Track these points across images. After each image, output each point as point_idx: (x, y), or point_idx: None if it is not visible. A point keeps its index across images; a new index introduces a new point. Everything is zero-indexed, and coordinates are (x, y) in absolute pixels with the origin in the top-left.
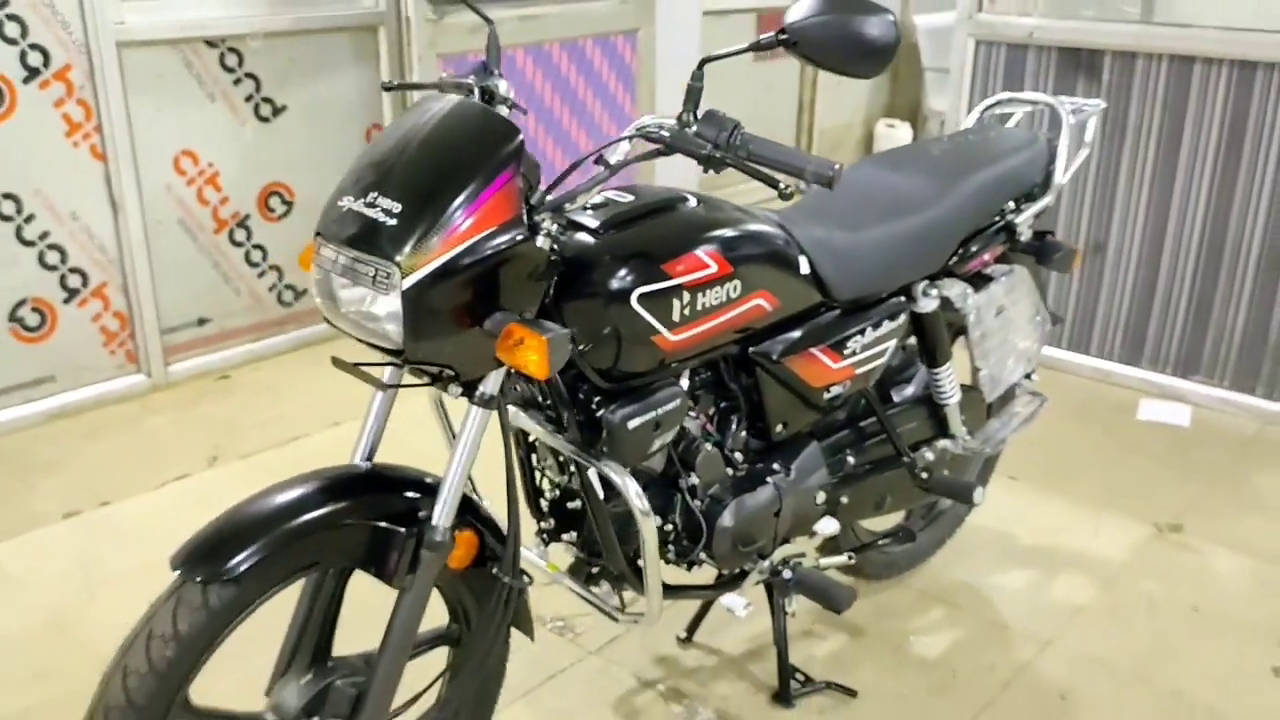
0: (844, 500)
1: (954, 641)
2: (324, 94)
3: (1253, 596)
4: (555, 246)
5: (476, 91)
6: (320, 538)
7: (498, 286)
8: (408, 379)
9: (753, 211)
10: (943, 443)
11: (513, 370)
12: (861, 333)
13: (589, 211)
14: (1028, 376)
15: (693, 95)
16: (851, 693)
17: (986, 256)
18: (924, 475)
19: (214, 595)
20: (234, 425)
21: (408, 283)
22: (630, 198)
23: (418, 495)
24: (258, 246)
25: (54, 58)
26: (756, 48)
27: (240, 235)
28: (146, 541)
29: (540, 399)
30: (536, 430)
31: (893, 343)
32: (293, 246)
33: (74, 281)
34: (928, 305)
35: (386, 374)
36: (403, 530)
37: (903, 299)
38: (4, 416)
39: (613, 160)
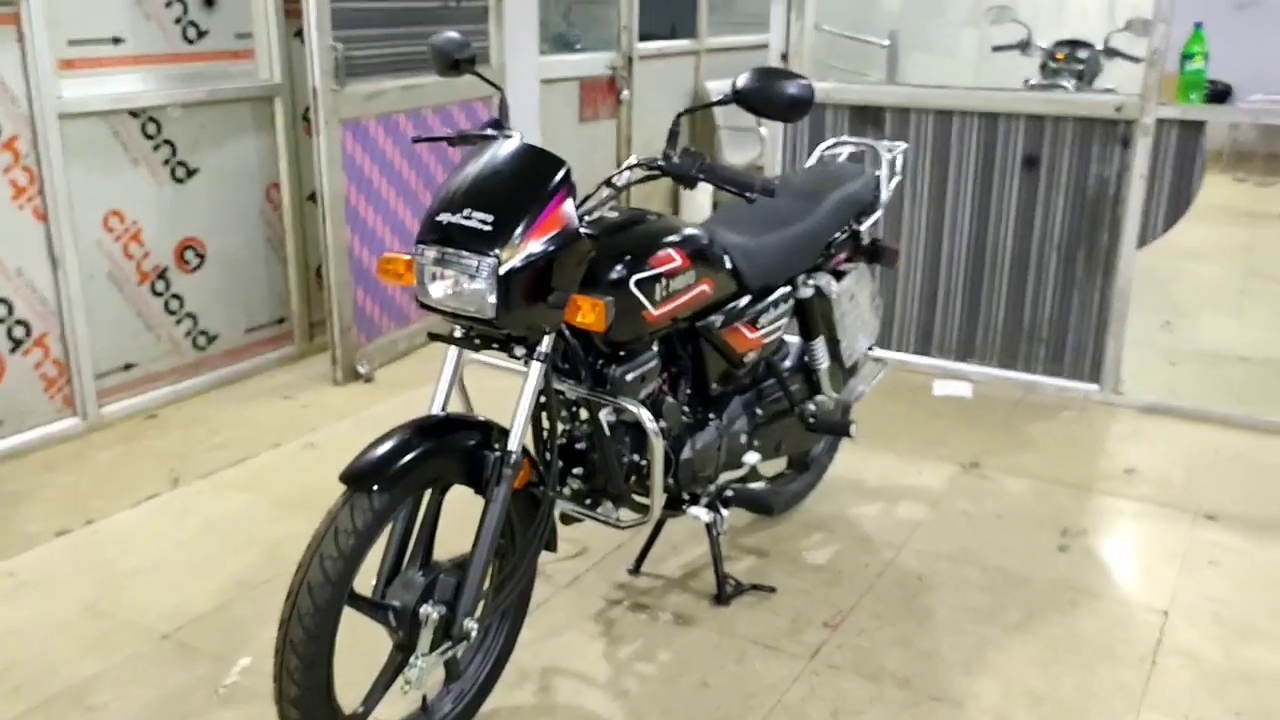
0: (758, 441)
1: (835, 552)
2: (230, 157)
3: (1036, 504)
4: None
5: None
6: (438, 460)
7: (555, 272)
8: (469, 351)
9: (688, 222)
10: (819, 397)
11: (555, 336)
12: (766, 312)
13: (587, 223)
14: (870, 348)
15: (673, 137)
16: (771, 589)
17: (841, 256)
18: (811, 420)
19: (376, 500)
20: (181, 454)
21: (503, 270)
22: (615, 213)
23: (486, 432)
24: (175, 296)
25: (3, 130)
26: (720, 103)
27: (160, 286)
28: (149, 545)
29: (559, 364)
30: (564, 384)
31: (784, 320)
32: (206, 295)
33: (19, 333)
34: (806, 292)
35: (451, 353)
36: (491, 454)
37: (788, 288)
38: None
39: (619, 183)
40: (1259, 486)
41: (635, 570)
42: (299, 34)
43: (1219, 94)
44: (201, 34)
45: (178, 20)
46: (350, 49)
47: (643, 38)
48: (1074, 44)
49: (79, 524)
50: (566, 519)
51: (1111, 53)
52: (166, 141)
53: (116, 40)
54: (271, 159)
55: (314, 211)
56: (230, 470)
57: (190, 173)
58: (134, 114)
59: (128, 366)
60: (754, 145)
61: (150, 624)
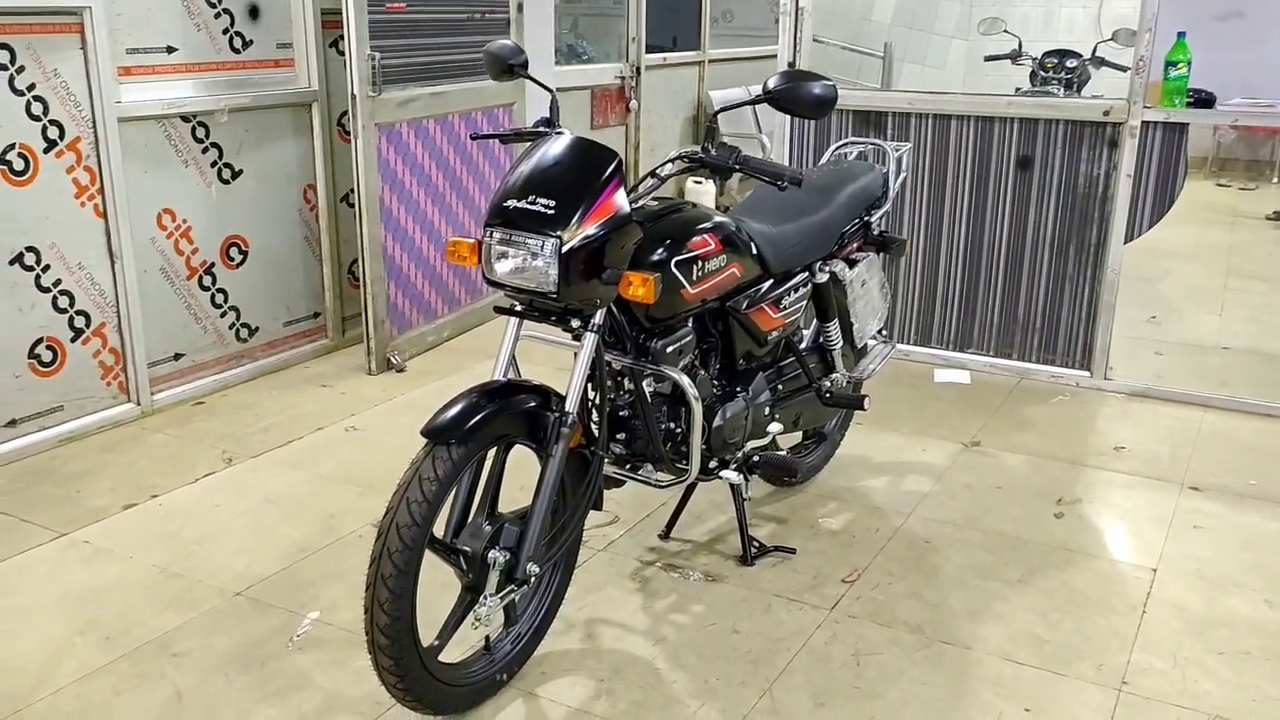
0: (779, 413)
1: (848, 519)
2: (271, 160)
3: (1033, 477)
4: None
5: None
6: (505, 418)
7: (607, 252)
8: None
9: (719, 212)
10: (834, 374)
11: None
12: (788, 294)
13: (633, 210)
14: (880, 330)
15: (711, 133)
16: (792, 551)
17: (854, 245)
18: (828, 395)
19: (454, 451)
20: (233, 436)
21: (564, 249)
22: (655, 203)
23: (544, 396)
24: (221, 290)
25: (68, 131)
26: (753, 102)
27: (207, 281)
28: (212, 516)
29: (605, 338)
30: (611, 355)
31: (804, 303)
32: (249, 290)
33: (79, 322)
34: (822, 277)
35: (511, 325)
36: (549, 416)
37: (806, 274)
38: (24, 442)
39: (664, 174)
40: (1239, 461)
41: (665, 535)
42: (334, 44)
43: (1204, 102)
44: (247, 44)
45: (225, 31)
46: (385, 58)
47: (647, 49)
48: (1063, 54)
49: (144, 498)
50: (609, 482)
51: (1099, 62)
52: (214, 144)
53: (170, 49)
54: (309, 162)
55: (347, 212)
56: (280, 450)
57: (235, 174)
58: (185, 118)
59: (177, 356)
60: (755, 151)
61: (222, 584)
